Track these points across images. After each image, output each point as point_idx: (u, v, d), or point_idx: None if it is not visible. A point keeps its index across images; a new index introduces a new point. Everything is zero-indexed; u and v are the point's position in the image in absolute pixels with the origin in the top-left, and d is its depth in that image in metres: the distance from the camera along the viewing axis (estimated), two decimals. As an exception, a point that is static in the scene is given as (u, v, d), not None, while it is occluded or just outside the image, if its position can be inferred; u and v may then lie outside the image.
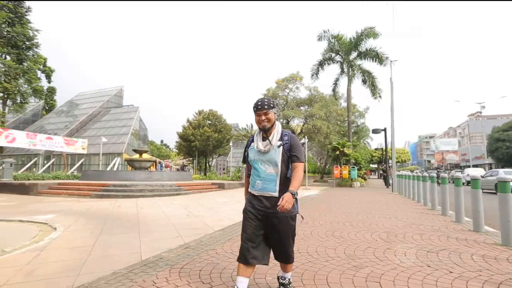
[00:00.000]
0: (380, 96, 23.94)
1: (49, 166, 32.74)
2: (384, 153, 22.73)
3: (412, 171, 39.97)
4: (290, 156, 2.21)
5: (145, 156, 18.82)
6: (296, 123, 30.18)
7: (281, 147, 2.19)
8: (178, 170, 34.14)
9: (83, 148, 26.84)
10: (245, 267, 2.20)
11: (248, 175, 2.41)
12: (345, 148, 21.98)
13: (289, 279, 2.49)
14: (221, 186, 16.24)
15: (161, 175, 15.87)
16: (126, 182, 12.93)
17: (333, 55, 25.28)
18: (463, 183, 13.83)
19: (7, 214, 6.94)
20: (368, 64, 41.67)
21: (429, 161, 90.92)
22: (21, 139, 21.28)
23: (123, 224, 5.84)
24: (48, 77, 31.27)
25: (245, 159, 2.41)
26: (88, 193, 11.46)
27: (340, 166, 22.09)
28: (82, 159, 31.78)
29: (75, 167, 30.78)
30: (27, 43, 25.34)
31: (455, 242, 4.33)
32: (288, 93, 28.23)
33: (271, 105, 2.24)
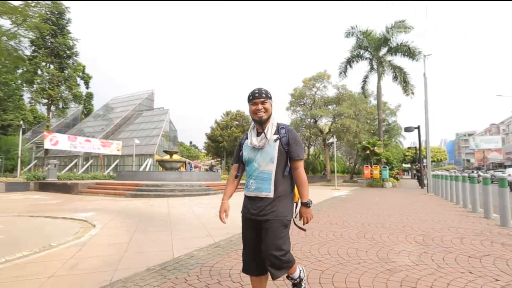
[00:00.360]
0: (412, 93, 22.90)
1: (87, 167, 34.76)
2: (418, 152, 21.69)
3: (448, 170, 37.75)
4: (288, 152, 1.97)
5: (175, 157, 19.41)
6: (324, 122, 29.70)
7: (278, 141, 1.95)
8: (207, 170, 34.84)
9: (118, 150, 28.24)
10: (257, 279, 2.06)
11: (236, 176, 2.19)
12: (375, 147, 21.26)
13: (299, 277, 2.24)
14: (249, 186, 16.32)
15: (191, 176, 16.28)
16: (157, 182, 13.41)
17: (361, 51, 24.56)
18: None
19: (52, 211, 7.46)
20: (399, 60, 40.13)
21: (468, 160, 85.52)
22: (63, 142, 22.80)
23: (156, 222, 6.05)
24: (86, 83, 33.23)
25: (236, 159, 2.19)
26: (123, 192, 12.03)
27: (371, 166, 21.39)
28: (117, 160, 33.40)
29: (110, 167, 32.41)
30: (68, 52, 27.11)
31: (500, 247, 4.03)
32: (315, 92, 27.85)
33: (269, 95, 2.02)
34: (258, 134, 2.03)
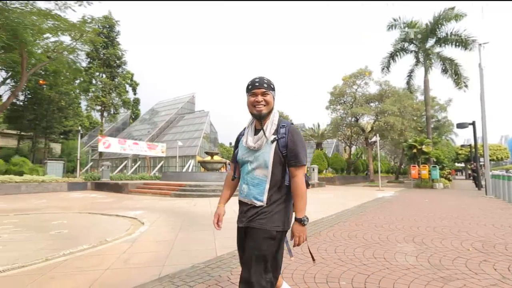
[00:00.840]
0: (466, 86, 21.01)
1: (136, 168, 37.12)
2: (474, 150, 19.86)
3: (507, 170, 34.04)
4: (286, 157, 1.66)
5: (216, 158, 19.95)
6: (366, 120, 28.51)
7: (275, 142, 1.64)
8: (246, 171, 35.24)
9: (163, 152, 29.78)
10: None
11: (233, 178, 1.93)
12: (423, 146, 19.88)
13: None
14: (288, 187, 16.25)
15: (231, 176, 16.59)
16: (200, 182, 13.89)
17: (406, 44, 23.13)
18: None
19: (107, 209, 8.09)
20: (449, 51, 37.11)
21: (534, 159, 76.30)
22: (114, 145, 24.62)
23: (199, 221, 6.27)
24: (134, 90, 35.57)
25: (233, 157, 1.91)
26: (168, 192, 12.65)
27: (418, 166, 20.05)
28: (162, 162, 35.21)
29: (156, 168, 34.27)
30: (117, 62, 29.36)
31: None
32: (356, 89, 26.83)
33: (272, 86, 1.72)
34: (256, 132, 1.74)
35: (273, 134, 1.67)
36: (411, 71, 24.16)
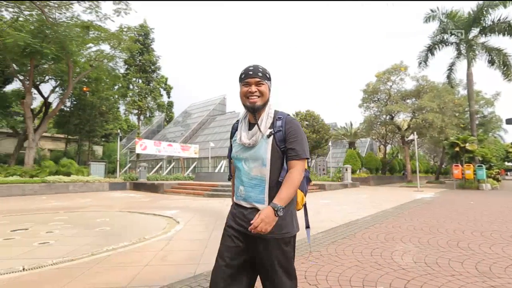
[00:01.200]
0: (516, 78, 19.31)
1: (170, 169, 38.53)
2: (526, 148, 18.15)
3: None
4: (284, 151, 1.50)
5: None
6: (402, 118, 27.19)
7: (271, 136, 1.49)
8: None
9: (195, 153, 30.64)
10: None
11: (229, 178, 1.81)
12: (467, 144, 18.54)
13: None
14: (321, 187, 15.98)
15: (262, 176, 16.65)
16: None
17: (445, 36, 21.74)
18: None
19: (144, 208, 8.48)
20: (496, 40, 34.29)
21: None
22: (150, 147, 25.75)
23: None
24: (168, 93, 36.96)
25: (230, 154, 1.73)
26: (201, 192, 12.98)
27: (462, 165, 18.75)
28: (195, 163, 36.22)
29: (190, 169, 35.32)
30: (152, 67, 30.76)
31: None
32: (390, 86, 25.69)
33: (267, 75, 1.56)
34: (251, 127, 1.57)
35: (269, 127, 1.52)
36: (452, 64, 22.69)
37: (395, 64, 25.03)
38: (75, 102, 23.57)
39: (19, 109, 22.48)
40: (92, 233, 4.99)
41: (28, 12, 14.26)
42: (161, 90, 33.13)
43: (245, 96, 1.53)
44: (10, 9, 14.19)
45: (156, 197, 12.26)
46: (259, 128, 1.51)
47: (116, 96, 27.42)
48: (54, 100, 21.08)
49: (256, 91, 1.50)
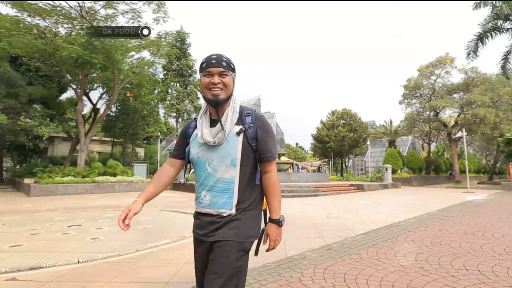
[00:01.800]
0: None
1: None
2: None
3: None
4: (257, 150, 1.38)
5: (283, 159, 20.06)
6: (448, 114, 25.33)
7: (242, 134, 1.35)
8: (314, 171, 34.64)
9: (232, 154, 31.29)
10: None
11: (179, 180, 1.60)
12: (527, 141, 16.78)
13: None
14: (359, 188, 15.43)
15: (299, 177, 16.52)
16: (267, 183, 14.13)
17: (499, 22, 19.85)
18: None
19: (183, 207, 8.81)
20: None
21: None
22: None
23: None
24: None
25: (176, 153, 1.56)
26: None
27: (520, 164, 17.01)
28: (231, 163, 36.86)
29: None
30: (189, 71, 31.98)
31: None
32: (434, 80, 24.06)
33: (232, 66, 1.40)
34: (213, 123, 1.40)
35: (237, 123, 1.37)
36: (508, 53, 20.66)
37: (440, 57, 23.39)
38: (119, 107, 25.16)
39: (72, 115, 24.54)
40: (136, 231, 5.29)
41: (80, 27, 15.53)
42: (198, 93, 34.25)
43: (206, 88, 1.36)
44: (65, 25, 15.60)
45: (193, 197, 12.64)
46: (221, 125, 1.35)
47: (156, 100, 28.83)
48: (101, 106, 22.68)
49: (219, 82, 1.34)
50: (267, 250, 1.44)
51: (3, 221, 6.35)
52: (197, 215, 1.45)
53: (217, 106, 1.35)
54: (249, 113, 1.42)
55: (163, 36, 18.06)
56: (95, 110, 22.23)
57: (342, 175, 29.88)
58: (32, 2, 13.46)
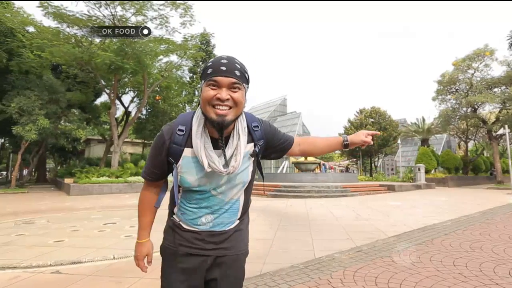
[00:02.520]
0: None
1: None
2: None
3: None
4: (271, 152, 1.27)
5: (310, 158, 19.80)
6: (488, 109, 23.73)
7: (254, 156, 1.16)
8: (342, 171, 33.91)
9: (258, 154, 31.37)
10: None
11: (157, 204, 1.24)
12: None
13: None
14: (390, 188, 14.88)
15: (326, 177, 16.23)
16: (294, 183, 14.03)
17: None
18: None
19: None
20: None
21: None
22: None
23: (295, 222, 6.33)
24: (229, 97, 38.72)
25: (155, 175, 1.18)
26: (264, 193, 13.20)
27: None
28: (257, 163, 37.01)
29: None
30: (214, 73, 32.60)
31: None
32: (472, 74, 22.63)
33: (246, 76, 1.07)
34: (215, 144, 1.08)
35: (248, 142, 1.13)
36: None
37: (478, 49, 21.96)
38: (149, 110, 26.14)
39: (106, 118, 25.83)
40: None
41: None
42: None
43: (209, 104, 1.02)
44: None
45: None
46: (234, 152, 1.08)
47: (184, 103, 29.62)
48: (133, 109, 23.70)
49: (228, 99, 1.01)
50: (366, 142, 1.37)
51: (48, 218, 6.83)
52: (188, 231, 1.15)
53: (221, 130, 1.04)
54: (257, 126, 1.17)
55: (189, 39, 18.52)
56: (127, 113, 23.28)
57: (371, 175, 28.96)
58: (71, 13, 14.34)
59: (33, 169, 31.43)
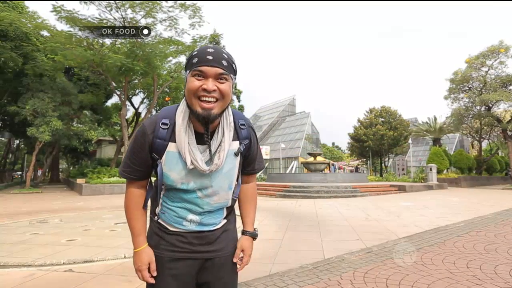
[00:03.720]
0: None
1: (243, 170, 40.17)
2: None
3: None
4: (246, 162, 1.19)
5: (319, 158, 19.69)
6: (503, 108, 23.13)
7: (239, 154, 1.11)
8: (351, 171, 33.61)
9: (267, 154, 31.30)
10: None
11: (145, 205, 1.14)
12: None
13: None
14: (401, 189, 14.65)
15: (336, 177, 16.10)
16: (303, 183, 13.96)
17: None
18: None
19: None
20: None
21: None
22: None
23: (304, 222, 6.30)
24: (238, 97, 38.69)
25: (139, 173, 1.09)
26: (273, 193, 13.17)
27: None
28: (266, 164, 36.99)
29: (262, 170, 36.28)
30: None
31: None
32: (486, 71, 22.10)
33: (233, 67, 1.03)
34: (199, 140, 1.04)
35: (233, 139, 1.09)
36: None
37: (492, 46, 21.44)
38: (159, 111, 26.52)
39: (117, 119, 26.28)
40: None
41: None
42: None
43: (194, 95, 0.97)
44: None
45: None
46: (216, 150, 1.04)
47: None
48: (143, 110, 24.02)
49: (214, 90, 0.96)
50: (241, 268, 1.22)
51: (61, 218, 6.98)
52: (172, 232, 1.10)
53: (207, 124, 1.00)
54: (244, 124, 1.13)
55: (198, 40, 18.64)
56: (137, 114, 23.59)
57: (381, 175, 28.61)
58: (83, 17, 14.63)
59: (47, 170, 32.16)
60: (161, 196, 1.11)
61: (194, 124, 1.03)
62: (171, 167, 1.03)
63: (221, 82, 0.97)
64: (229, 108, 1.08)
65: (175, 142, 1.02)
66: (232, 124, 1.08)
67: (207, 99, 0.95)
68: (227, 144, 1.05)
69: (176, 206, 1.08)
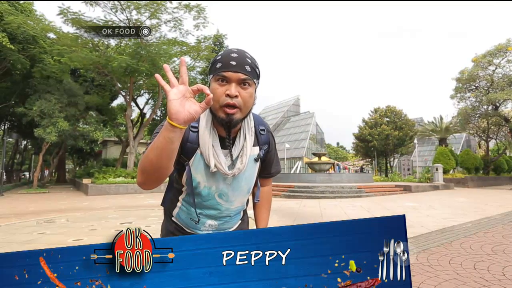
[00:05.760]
0: None
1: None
2: None
3: None
4: (262, 167, 1.19)
5: (324, 159, 19.63)
6: (511, 107, 22.86)
7: (259, 160, 1.13)
8: (356, 171, 33.44)
9: (271, 154, 31.35)
10: None
11: (177, 197, 1.14)
12: None
13: None
14: (406, 189, 14.55)
15: (340, 177, 16.04)
16: (308, 184, 13.93)
17: None
18: None
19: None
20: None
21: None
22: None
23: (310, 222, 6.28)
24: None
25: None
26: (278, 193, 13.16)
27: None
28: (271, 164, 36.96)
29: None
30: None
31: None
32: (493, 70, 21.85)
33: (257, 71, 1.02)
34: (222, 144, 1.04)
35: (254, 145, 1.10)
36: None
37: (500, 44, 21.20)
38: (164, 111, 26.56)
39: (122, 120, 26.46)
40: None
41: (128, 38, 16.74)
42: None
43: (217, 101, 0.96)
44: (116, 37, 16.95)
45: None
46: (239, 154, 1.06)
47: (197, 103, 29.95)
48: (147, 110, 24.18)
49: (237, 96, 0.95)
50: None
51: (67, 217, 7.05)
52: (188, 233, 1.14)
53: (229, 129, 1.00)
54: (264, 130, 1.14)
55: (202, 40, 18.71)
56: (142, 114, 23.74)
57: (387, 176, 28.40)
58: (88, 19, 14.77)
59: (53, 170, 32.49)
60: (180, 199, 1.13)
61: (217, 128, 1.04)
62: (195, 168, 1.04)
63: (244, 87, 0.97)
64: (251, 114, 1.08)
65: (199, 145, 1.04)
66: (253, 128, 1.10)
67: (228, 106, 0.95)
68: (249, 149, 1.06)
69: (195, 213, 1.09)
